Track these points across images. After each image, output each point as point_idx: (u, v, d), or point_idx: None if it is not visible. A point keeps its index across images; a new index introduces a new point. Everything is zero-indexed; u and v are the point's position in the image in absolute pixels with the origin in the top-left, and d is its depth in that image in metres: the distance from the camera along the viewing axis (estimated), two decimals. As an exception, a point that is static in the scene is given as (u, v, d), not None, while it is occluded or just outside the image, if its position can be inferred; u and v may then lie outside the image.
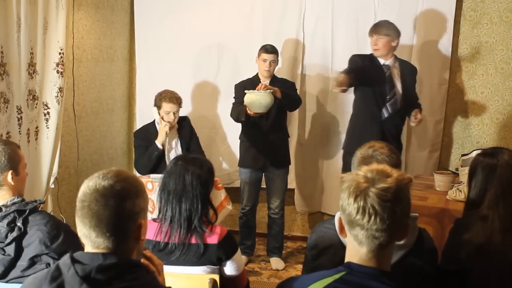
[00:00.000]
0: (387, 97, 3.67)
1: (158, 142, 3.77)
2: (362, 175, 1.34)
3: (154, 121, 3.92)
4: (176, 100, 3.79)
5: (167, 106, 3.77)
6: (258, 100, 3.63)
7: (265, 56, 3.87)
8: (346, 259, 1.38)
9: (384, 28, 3.64)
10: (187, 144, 3.90)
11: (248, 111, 3.69)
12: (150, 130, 3.92)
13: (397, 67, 3.70)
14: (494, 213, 2.00)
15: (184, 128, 3.94)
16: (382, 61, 3.70)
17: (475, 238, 1.98)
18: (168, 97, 3.78)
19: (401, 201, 1.32)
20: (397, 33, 3.65)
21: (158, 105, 3.82)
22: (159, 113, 3.82)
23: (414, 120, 3.69)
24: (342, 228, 1.38)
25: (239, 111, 3.83)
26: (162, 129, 3.76)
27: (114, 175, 1.38)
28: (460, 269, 1.98)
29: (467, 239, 2.00)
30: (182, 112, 3.94)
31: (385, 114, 3.69)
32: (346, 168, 3.81)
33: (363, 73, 3.63)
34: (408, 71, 3.75)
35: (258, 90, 3.65)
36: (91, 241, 1.35)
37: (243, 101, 3.78)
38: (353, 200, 1.31)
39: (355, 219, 1.31)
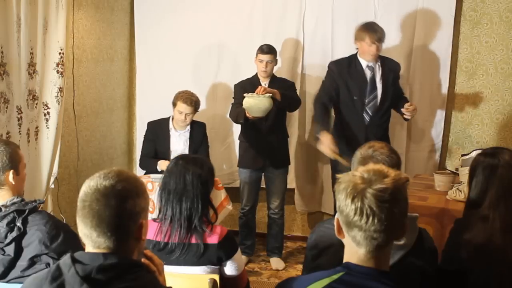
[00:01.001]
0: (366, 100, 3.64)
1: (159, 168, 3.75)
2: (358, 176, 1.33)
3: (170, 116, 3.94)
4: (191, 102, 3.78)
5: (180, 106, 3.78)
6: (256, 104, 3.62)
7: (261, 57, 3.86)
8: (345, 260, 1.38)
9: (382, 32, 3.57)
10: (196, 148, 3.89)
11: (247, 115, 3.68)
12: (162, 125, 3.94)
13: (379, 66, 3.67)
14: (495, 213, 2.00)
15: (195, 131, 3.93)
16: (365, 62, 3.66)
17: (476, 238, 1.98)
18: (184, 97, 3.78)
19: (399, 201, 1.31)
20: None
21: (174, 102, 3.83)
22: (174, 111, 3.84)
23: (407, 111, 3.56)
24: (339, 229, 1.37)
25: (237, 113, 3.82)
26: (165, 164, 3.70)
27: (115, 175, 1.38)
28: (460, 269, 1.98)
29: (468, 239, 2.00)
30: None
31: (367, 118, 3.66)
32: (335, 174, 3.82)
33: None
34: (391, 69, 3.70)
35: (257, 93, 3.63)
36: (92, 241, 1.35)
37: (242, 102, 3.78)
38: (351, 202, 1.30)
39: (353, 220, 1.30)
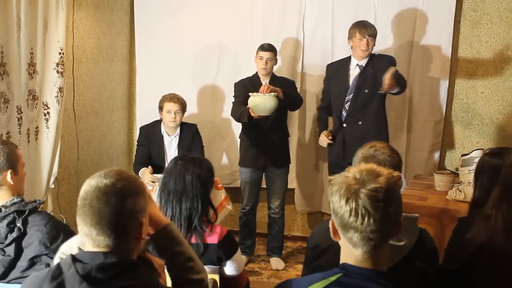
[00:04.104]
0: (346, 98, 3.69)
1: (140, 175, 3.68)
2: (351, 177, 1.32)
3: (161, 120, 3.94)
4: (177, 99, 3.82)
5: (168, 105, 3.81)
6: (262, 103, 3.62)
7: (261, 54, 3.87)
8: (341, 261, 1.37)
9: (373, 29, 3.64)
10: (185, 150, 3.84)
11: (252, 114, 3.68)
12: (154, 129, 3.94)
13: (371, 65, 3.66)
14: (497, 213, 2.01)
15: (185, 134, 3.92)
16: (355, 61, 3.71)
17: (478, 237, 1.99)
18: (169, 97, 3.83)
19: (393, 200, 1.31)
20: None
21: (160, 106, 3.86)
22: (161, 114, 3.84)
23: (386, 84, 3.40)
24: (335, 231, 1.37)
25: (241, 112, 3.81)
26: (147, 178, 3.63)
27: (115, 174, 1.39)
28: (462, 268, 1.98)
29: (470, 238, 2.00)
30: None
31: (344, 113, 3.72)
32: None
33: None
34: (384, 66, 3.61)
35: (261, 92, 3.63)
36: (92, 239, 1.36)
37: (244, 100, 3.78)
38: (345, 203, 1.29)
39: (349, 222, 1.29)
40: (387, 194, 1.29)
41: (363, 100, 3.67)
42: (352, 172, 1.34)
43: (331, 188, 1.34)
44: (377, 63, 3.67)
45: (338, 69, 3.82)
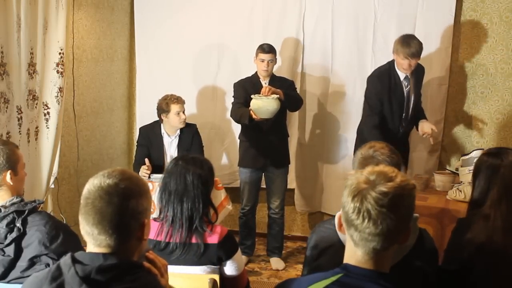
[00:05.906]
0: (403, 115, 3.64)
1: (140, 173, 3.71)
2: (364, 176, 1.32)
3: (160, 121, 3.93)
4: (180, 99, 3.83)
5: (176, 107, 3.79)
6: (265, 106, 3.61)
7: (262, 56, 3.86)
8: (345, 260, 1.37)
9: (418, 49, 3.49)
10: (184, 151, 3.84)
11: (253, 116, 3.67)
12: (154, 129, 3.94)
13: (413, 76, 3.63)
14: (496, 213, 2.01)
15: (185, 134, 3.92)
16: (402, 74, 3.59)
17: (477, 237, 1.99)
18: (174, 98, 3.81)
19: (398, 208, 1.28)
20: None
21: (166, 109, 3.81)
22: (167, 117, 3.81)
23: (430, 137, 3.63)
24: (341, 224, 1.38)
25: (241, 114, 3.80)
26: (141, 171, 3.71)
27: (119, 174, 1.39)
28: (461, 268, 1.98)
29: (469, 238, 2.00)
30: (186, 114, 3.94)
31: (401, 130, 3.68)
32: None
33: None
34: (419, 75, 3.69)
35: (263, 94, 3.62)
36: (94, 238, 1.36)
37: (243, 101, 3.77)
38: (351, 200, 1.30)
39: (351, 219, 1.30)
40: (393, 201, 1.27)
41: (414, 116, 3.67)
42: (367, 172, 1.34)
43: (346, 182, 1.35)
44: (415, 73, 3.63)
45: (390, 81, 3.58)
